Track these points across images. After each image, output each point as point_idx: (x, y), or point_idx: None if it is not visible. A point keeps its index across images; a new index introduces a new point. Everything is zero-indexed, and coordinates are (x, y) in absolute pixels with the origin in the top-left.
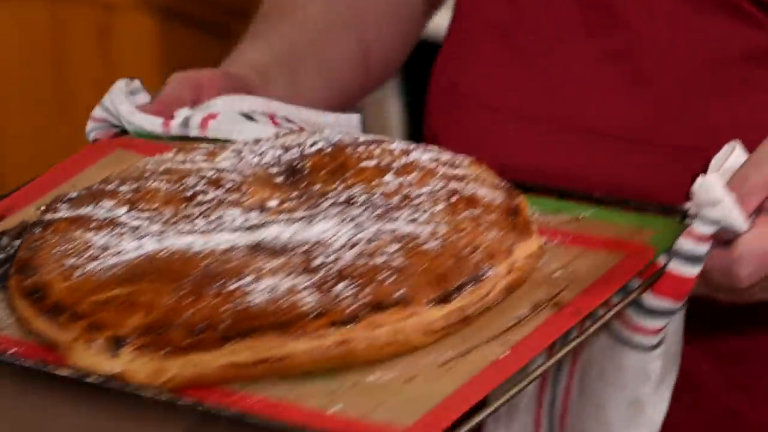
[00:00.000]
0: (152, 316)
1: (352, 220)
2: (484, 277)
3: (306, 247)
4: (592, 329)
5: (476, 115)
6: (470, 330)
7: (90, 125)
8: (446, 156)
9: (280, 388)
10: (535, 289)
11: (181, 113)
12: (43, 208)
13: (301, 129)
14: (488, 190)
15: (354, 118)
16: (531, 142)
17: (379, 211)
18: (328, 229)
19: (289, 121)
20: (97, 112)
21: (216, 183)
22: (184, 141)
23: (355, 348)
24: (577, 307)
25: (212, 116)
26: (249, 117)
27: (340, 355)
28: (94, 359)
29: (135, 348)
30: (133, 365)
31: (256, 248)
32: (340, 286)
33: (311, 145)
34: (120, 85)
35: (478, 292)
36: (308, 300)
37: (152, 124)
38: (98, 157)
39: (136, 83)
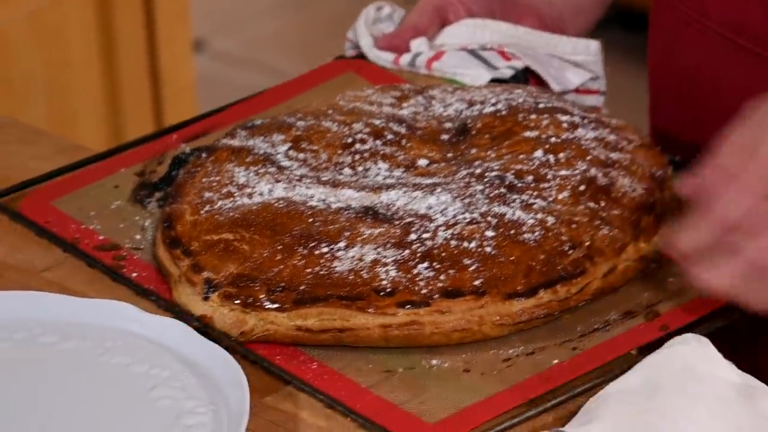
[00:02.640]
0: (244, 267)
1: (469, 197)
2: (575, 277)
3: (410, 219)
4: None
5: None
6: (549, 327)
7: (346, 44)
8: (613, 137)
9: (343, 358)
10: (639, 292)
11: (414, 45)
12: (225, 132)
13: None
14: (632, 181)
15: (593, 45)
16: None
17: (499, 191)
18: (440, 204)
19: (515, 56)
20: (349, 34)
21: (378, 133)
22: (412, 74)
23: (421, 331)
24: (666, 322)
25: (437, 57)
26: (476, 54)
27: (406, 335)
28: (189, 299)
29: (223, 295)
30: (218, 312)
31: (366, 212)
32: (422, 266)
33: (493, 104)
34: (368, 12)
35: (565, 291)
36: (388, 275)
37: (384, 61)
38: (328, 77)
39: (386, 9)
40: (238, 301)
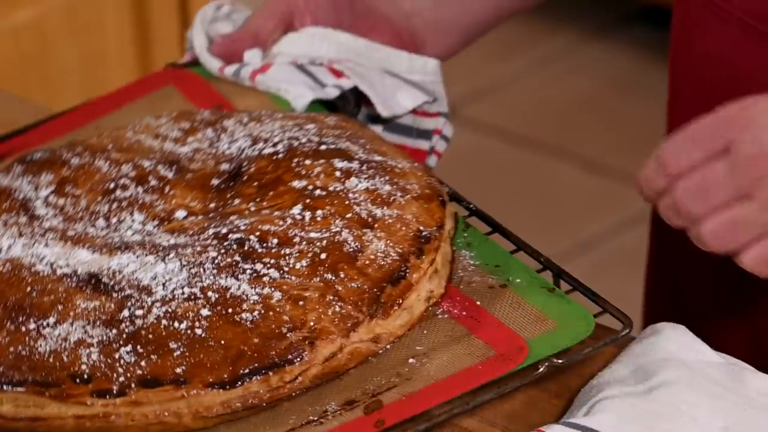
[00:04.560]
0: None
1: (198, 266)
2: (289, 363)
3: (130, 291)
4: None
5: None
6: (257, 419)
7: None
8: (388, 187)
9: None
10: (371, 376)
11: (248, 56)
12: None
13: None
14: (388, 244)
15: (431, 64)
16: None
17: (232, 260)
18: (167, 273)
19: (345, 74)
20: (189, 33)
21: (141, 179)
22: (236, 86)
23: (116, 423)
24: (383, 417)
25: (263, 69)
26: (305, 69)
27: (100, 427)
28: None
29: None
30: None
31: (89, 280)
32: (125, 349)
33: (274, 144)
34: (206, 12)
35: (277, 380)
36: (89, 359)
37: (212, 66)
38: (149, 90)
39: (225, 9)
40: None
